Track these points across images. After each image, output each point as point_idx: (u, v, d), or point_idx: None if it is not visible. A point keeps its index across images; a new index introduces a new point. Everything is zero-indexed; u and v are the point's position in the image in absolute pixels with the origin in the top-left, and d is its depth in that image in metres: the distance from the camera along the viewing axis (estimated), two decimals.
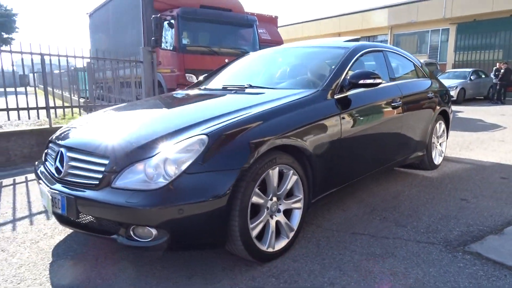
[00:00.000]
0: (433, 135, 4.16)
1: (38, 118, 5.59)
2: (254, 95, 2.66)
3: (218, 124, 2.09)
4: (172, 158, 1.89)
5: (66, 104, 6.04)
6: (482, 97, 16.25)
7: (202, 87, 3.46)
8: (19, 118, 5.10)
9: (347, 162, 2.79)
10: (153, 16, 8.26)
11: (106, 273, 2.14)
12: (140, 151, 1.94)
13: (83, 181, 2.03)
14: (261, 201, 2.13)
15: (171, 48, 8.18)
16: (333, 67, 2.93)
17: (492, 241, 2.41)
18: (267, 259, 2.19)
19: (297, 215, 2.39)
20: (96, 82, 9.83)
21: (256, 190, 2.06)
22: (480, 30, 18.35)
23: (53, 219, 2.90)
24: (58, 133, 2.60)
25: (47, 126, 5.27)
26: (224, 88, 3.16)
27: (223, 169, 1.94)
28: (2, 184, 3.89)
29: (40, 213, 3.07)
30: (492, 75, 15.33)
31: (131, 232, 1.91)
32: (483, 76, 16.10)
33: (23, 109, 5.08)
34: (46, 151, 2.54)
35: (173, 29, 8.21)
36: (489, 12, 17.46)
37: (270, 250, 2.19)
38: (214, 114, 2.26)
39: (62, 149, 2.19)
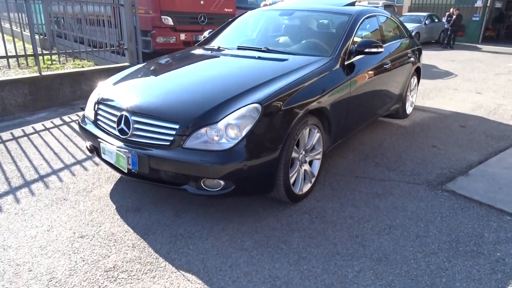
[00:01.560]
0: (408, 89, 4.80)
1: (26, 64, 5.49)
2: (281, 62, 3.04)
3: (264, 92, 2.50)
4: (234, 123, 2.30)
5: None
6: (433, 41, 17.28)
7: (216, 46, 3.72)
8: (9, 67, 5.02)
9: (351, 117, 3.34)
10: None
11: (169, 215, 2.60)
12: (206, 117, 2.32)
13: (152, 142, 2.39)
14: (296, 155, 2.64)
15: None
16: (341, 35, 3.34)
17: (461, 181, 3.15)
18: (297, 200, 2.76)
19: (317, 164, 2.94)
20: (55, 16, 9.28)
21: (294, 147, 2.57)
22: None
23: (92, 169, 3.24)
24: (104, 92, 2.85)
25: (37, 74, 5.23)
26: (240, 48, 3.50)
27: (274, 133, 2.40)
28: (15, 135, 4.03)
29: (73, 164, 3.37)
30: (444, 20, 16.23)
31: (202, 184, 2.36)
32: (436, 20, 16.99)
33: (12, 57, 4.99)
34: (95, 111, 2.80)
35: None
36: None
37: (300, 193, 2.76)
38: (257, 81, 2.64)
39: (126, 113, 2.50)
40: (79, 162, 3.41)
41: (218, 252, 2.23)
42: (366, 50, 3.21)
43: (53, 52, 5.72)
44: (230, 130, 2.30)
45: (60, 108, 5.16)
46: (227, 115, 2.33)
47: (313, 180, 2.91)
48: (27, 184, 3.00)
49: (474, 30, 18.32)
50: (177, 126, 2.33)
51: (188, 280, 2.00)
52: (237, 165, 2.27)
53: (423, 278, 2.03)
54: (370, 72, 3.53)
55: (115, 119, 2.58)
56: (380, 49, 3.23)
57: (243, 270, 2.08)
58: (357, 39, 3.44)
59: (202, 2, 8.45)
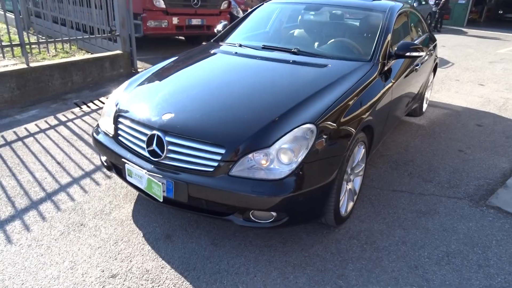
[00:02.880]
0: (427, 86, 4.62)
1: (12, 55, 4.95)
2: (321, 69, 2.74)
3: (314, 108, 2.22)
4: (287, 147, 2.03)
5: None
6: None
7: (236, 44, 3.36)
8: None
9: (387, 125, 3.11)
10: None
11: (205, 243, 2.33)
12: (257, 140, 2.03)
13: (192, 167, 2.09)
14: (346, 176, 2.40)
15: None
16: (377, 35, 3.06)
17: (502, 195, 3.01)
18: (343, 222, 2.54)
19: (358, 181, 2.72)
20: None
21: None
22: None
23: (104, 184, 2.91)
24: (125, 103, 2.49)
25: (25, 65, 4.72)
26: (266, 48, 3.17)
27: (331, 156, 2.14)
28: (7, 139, 3.61)
29: (82, 177, 3.03)
30: (431, 3, 16.13)
31: (250, 215, 2.09)
32: (424, 3, 16.86)
33: None
34: (115, 125, 2.45)
35: None
36: None
37: (345, 214, 2.54)
38: (302, 93, 2.36)
39: (158, 133, 2.17)
40: (88, 175, 3.06)
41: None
42: (407, 54, 2.95)
43: (41, 40, 5.17)
44: (283, 155, 2.03)
45: (52, 103, 4.70)
46: (279, 138, 2.04)
47: (355, 198, 2.69)
48: (34, 205, 2.65)
49: (460, 13, 18.35)
50: (223, 151, 2.03)
51: None
52: (292, 195, 2.01)
53: None
54: (404, 75, 3.30)
55: (144, 138, 2.25)
56: (422, 53, 2.99)
57: None
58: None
59: None
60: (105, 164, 2.64)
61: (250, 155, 2.02)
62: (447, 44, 12.14)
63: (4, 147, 3.44)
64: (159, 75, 2.83)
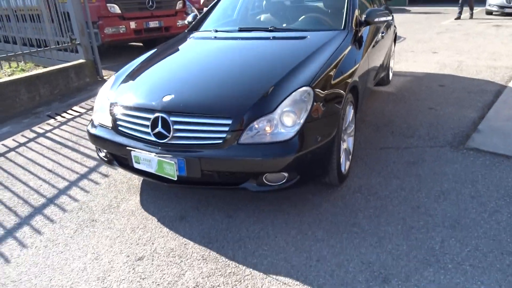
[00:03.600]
0: (390, 55, 4.90)
1: None
2: (302, 40, 2.88)
3: (306, 73, 2.36)
4: (289, 110, 2.14)
5: None
6: None
7: (212, 30, 3.44)
8: None
9: (366, 90, 3.31)
10: None
11: (220, 217, 2.41)
12: (260, 107, 2.14)
13: (201, 142, 2.16)
14: (342, 135, 2.56)
15: None
16: (346, 6, 3.25)
17: (477, 138, 3.29)
18: (343, 180, 2.70)
19: (351, 141, 2.89)
20: None
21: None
22: None
23: (104, 182, 2.91)
24: (118, 94, 2.51)
25: None
26: (242, 30, 3.29)
27: (328, 115, 2.29)
28: None
29: (79, 179, 3.00)
30: None
31: (264, 179, 2.19)
32: None
33: None
34: (112, 116, 2.47)
35: None
36: None
37: (345, 172, 2.70)
38: (290, 62, 2.49)
39: (162, 114, 2.22)
40: (84, 176, 3.04)
41: (296, 248, 2.11)
42: (376, 19, 3.16)
43: (3, 56, 4.98)
44: (285, 118, 2.15)
45: (23, 118, 4.56)
46: (280, 103, 2.16)
47: (350, 157, 2.86)
48: (37, 210, 2.61)
49: None
50: (229, 122, 2.12)
51: (285, 284, 1.87)
52: (301, 153, 2.13)
53: (501, 236, 2.10)
54: (374, 41, 3.51)
55: (147, 122, 2.29)
56: (389, 17, 3.21)
57: (333, 262, 1.99)
58: None
59: None
60: (105, 158, 2.64)
61: (255, 122, 2.12)
62: (395, 22, 12.72)
63: None
64: (145, 66, 2.87)
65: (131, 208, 2.58)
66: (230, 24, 3.63)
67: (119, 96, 2.52)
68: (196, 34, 3.48)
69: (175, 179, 2.21)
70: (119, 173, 3.05)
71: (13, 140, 3.88)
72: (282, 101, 2.17)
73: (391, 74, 5.23)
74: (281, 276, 1.92)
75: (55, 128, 4.16)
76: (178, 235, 2.27)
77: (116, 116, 2.46)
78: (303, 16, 3.42)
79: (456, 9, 12.37)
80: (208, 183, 2.27)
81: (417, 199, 2.49)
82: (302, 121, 2.14)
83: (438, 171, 2.82)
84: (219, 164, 2.15)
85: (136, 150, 2.30)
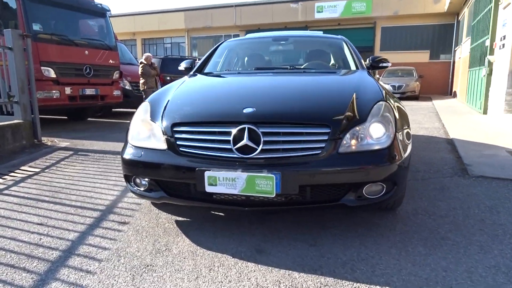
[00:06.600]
0: None
1: None
2: (335, 73, 2.98)
3: (372, 92, 2.40)
4: (379, 120, 2.11)
5: None
6: None
7: (224, 71, 3.35)
8: None
9: None
10: None
11: (302, 246, 2.11)
12: (351, 117, 2.07)
13: (297, 154, 1.95)
14: None
15: None
16: (352, 54, 3.53)
17: (473, 169, 3.62)
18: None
19: None
20: None
21: None
22: None
23: (128, 229, 2.38)
24: (173, 115, 2.19)
25: None
26: (258, 69, 3.29)
27: (404, 128, 2.31)
28: None
29: (90, 229, 2.39)
30: None
31: (363, 192, 2.03)
32: None
33: None
34: (169, 137, 2.11)
35: (16, 10, 6.58)
36: (269, 23, 21.02)
37: None
38: (346, 85, 2.54)
39: (249, 126, 1.97)
40: (96, 225, 2.44)
41: (413, 264, 1.92)
42: (380, 65, 3.46)
43: None
44: (376, 127, 2.10)
45: None
46: (368, 113, 2.13)
47: None
48: (59, 264, 1.95)
49: None
50: (328, 130, 1.99)
51: None
52: (400, 162, 2.08)
53: None
54: None
55: (226, 137, 2.00)
56: (389, 64, 3.55)
57: (460, 270, 1.85)
58: None
59: (86, 53, 7.50)
60: (148, 184, 2.19)
61: (351, 131, 2.03)
62: None
63: None
64: (189, 91, 2.59)
65: (188, 249, 2.10)
66: (240, 67, 3.59)
67: (174, 115, 2.19)
68: (208, 75, 3.34)
69: (273, 196, 1.91)
70: (139, 219, 2.53)
71: None
72: (369, 111, 2.13)
73: None
74: None
75: (10, 186, 3.35)
76: (272, 267, 1.89)
77: (176, 136, 2.11)
78: (320, 62, 3.59)
79: None
80: (303, 202, 2.01)
81: (476, 214, 2.55)
82: (392, 130, 2.12)
83: (469, 192, 2.98)
84: (320, 176, 1.95)
85: (212, 169, 1.96)
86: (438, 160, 4.08)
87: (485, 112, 8.52)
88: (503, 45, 7.58)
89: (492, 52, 8.25)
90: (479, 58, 9.62)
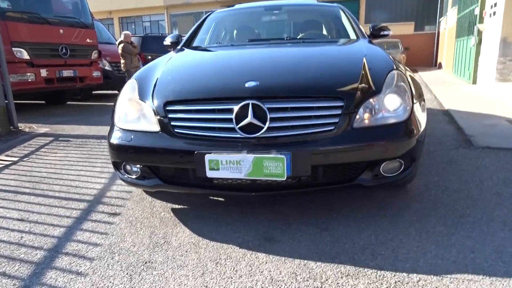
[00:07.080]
0: None
1: None
2: (336, 43, 2.75)
3: (382, 60, 2.19)
4: (394, 90, 1.91)
5: None
6: None
7: (215, 44, 3.08)
8: None
9: None
10: None
11: (314, 231, 1.94)
12: (364, 88, 1.86)
13: (310, 130, 1.75)
14: None
15: None
16: (351, 22, 3.29)
17: (477, 141, 3.49)
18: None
19: None
20: None
21: None
22: None
23: (120, 221, 2.16)
24: (164, 93, 1.94)
25: None
26: (252, 40, 3.03)
27: (421, 98, 2.12)
28: None
29: (77, 223, 2.16)
30: None
31: (380, 170, 1.85)
32: None
33: None
34: (162, 117, 1.88)
35: None
36: None
37: None
38: (352, 54, 2.32)
39: (253, 101, 1.74)
40: (84, 218, 2.21)
41: (436, 245, 1.76)
42: (381, 33, 3.24)
43: None
44: (392, 98, 1.90)
45: None
46: (382, 83, 1.92)
47: None
48: (44, 265, 1.73)
49: None
50: (341, 104, 1.78)
51: (471, 280, 1.50)
52: (419, 135, 1.90)
53: None
54: None
55: (227, 115, 1.77)
56: (390, 32, 3.33)
57: (488, 250, 1.70)
58: None
59: (61, 31, 7.03)
60: (140, 171, 1.96)
61: (366, 103, 1.83)
62: None
63: None
64: (181, 67, 2.34)
65: (190, 240, 1.90)
66: (232, 40, 3.31)
67: (167, 92, 1.95)
68: (198, 48, 3.06)
69: (284, 178, 1.71)
70: (131, 209, 2.31)
71: None
72: (383, 82, 1.93)
73: None
74: (456, 273, 1.54)
75: None
76: (285, 257, 1.72)
77: (170, 116, 1.87)
78: (318, 31, 3.35)
79: None
80: (314, 184, 1.82)
81: (491, 188, 2.41)
82: (409, 101, 1.92)
83: (479, 165, 2.85)
84: (334, 155, 1.75)
85: (213, 152, 1.74)
86: (438, 132, 3.95)
87: (474, 82, 8.45)
88: (494, 12, 7.43)
89: (481, 20, 8.10)
90: (467, 27, 9.48)
